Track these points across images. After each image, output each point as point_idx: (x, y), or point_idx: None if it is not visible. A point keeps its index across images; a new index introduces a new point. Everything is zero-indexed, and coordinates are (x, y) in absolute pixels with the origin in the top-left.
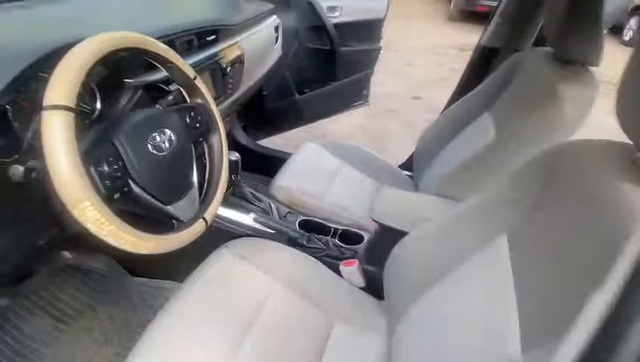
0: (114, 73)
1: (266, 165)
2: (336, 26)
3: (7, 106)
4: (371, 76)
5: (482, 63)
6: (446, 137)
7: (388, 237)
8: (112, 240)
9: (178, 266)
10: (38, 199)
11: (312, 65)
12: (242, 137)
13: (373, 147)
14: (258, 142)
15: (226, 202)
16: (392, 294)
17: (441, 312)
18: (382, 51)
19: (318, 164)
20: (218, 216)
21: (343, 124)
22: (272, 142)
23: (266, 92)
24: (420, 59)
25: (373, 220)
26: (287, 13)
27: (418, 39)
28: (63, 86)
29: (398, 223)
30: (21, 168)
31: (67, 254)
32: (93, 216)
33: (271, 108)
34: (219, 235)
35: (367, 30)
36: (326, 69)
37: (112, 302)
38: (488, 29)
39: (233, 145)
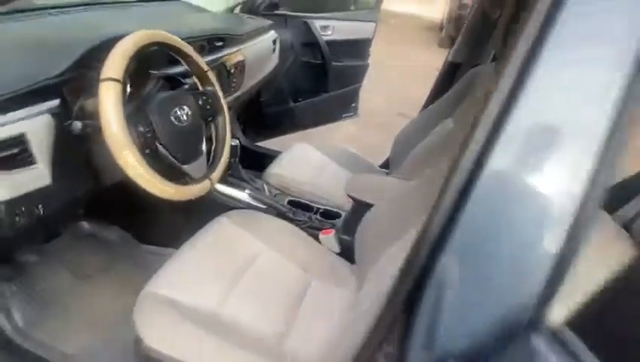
0: (143, 65)
1: (262, 162)
2: (328, 43)
3: (65, 82)
4: (359, 90)
5: (448, 76)
6: (415, 139)
7: (360, 211)
8: (142, 183)
9: (181, 235)
10: (89, 149)
11: (306, 77)
12: (241, 138)
13: (362, 153)
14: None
15: (225, 181)
16: (360, 257)
17: (394, 267)
18: (371, 70)
19: (307, 159)
20: (218, 192)
21: (335, 136)
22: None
23: (264, 98)
24: (408, 79)
25: (348, 195)
26: (285, 30)
27: (407, 61)
28: (115, 65)
29: (368, 198)
30: (80, 123)
31: (86, 224)
32: (131, 161)
33: (268, 113)
34: (219, 208)
35: (356, 48)
36: (318, 81)
37: (123, 264)
38: (454, 47)
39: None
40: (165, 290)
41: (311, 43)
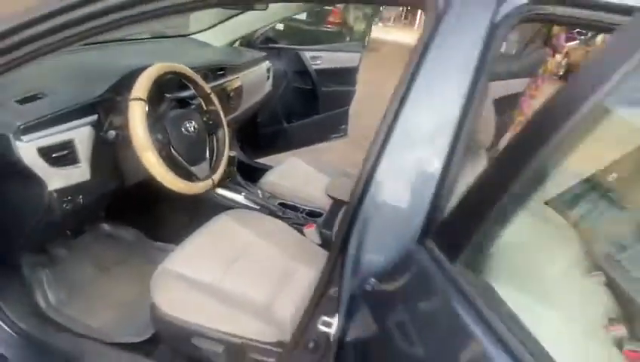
0: (159, 90)
1: (258, 175)
2: (317, 71)
3: (101, 102)
4: (348, 113)
5: None
6: None
7: (338, 208)
8: (160, 178)
9: (187, 232)
10: (118, 154)
11: (298, 101)
12: (239, 154)
13: (350, 168)
14: None
15: (225, 186)
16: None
17: None
18: (362, 95)
19: (297, 170)
20: (219, 194)
21: (327, 155)
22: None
23: (260, 120)
24: None
25: (328, 195)
26: (278, 60)
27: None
28: (141, 88)
29: (344, 196)
30: (113, 132)
31: (106, 226)
32: (152, 161)
33: (264, 133)
34: (219, 208)
35: (344, 75)
36: (310, 104)
37: (137, 258)
38: None
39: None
40: (176, 267)
41: (302, 71)
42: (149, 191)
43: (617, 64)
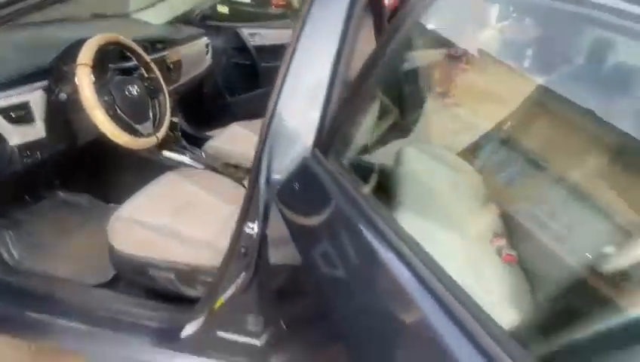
0: (103, 61)
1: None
2: (256, 47)
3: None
4: None
5: None
6: None
7: None
8: (108, 133)
9: None
10: (70, 114)
11: (240, 77)
12: (187, 127)
13: None
14: None
15: (171, 149)
16: None
17: None
18: None
19: (239, 134)
20: (165, 157)
21: None
22: None
23: (204, 93)
24: None
25: None
26: (217, 37)
27: None
28: (86, 54)
29: None
30: (64, 95)
31: (61, 193)
32: (101, 118)
33: (208, 107)
34: (166, 169)
35: (282, 51)
36: (251, 79)
37: (93, 221)
38: None
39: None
40: (129, 214)
41: (241, 48)
42: (100, 156)
43: None
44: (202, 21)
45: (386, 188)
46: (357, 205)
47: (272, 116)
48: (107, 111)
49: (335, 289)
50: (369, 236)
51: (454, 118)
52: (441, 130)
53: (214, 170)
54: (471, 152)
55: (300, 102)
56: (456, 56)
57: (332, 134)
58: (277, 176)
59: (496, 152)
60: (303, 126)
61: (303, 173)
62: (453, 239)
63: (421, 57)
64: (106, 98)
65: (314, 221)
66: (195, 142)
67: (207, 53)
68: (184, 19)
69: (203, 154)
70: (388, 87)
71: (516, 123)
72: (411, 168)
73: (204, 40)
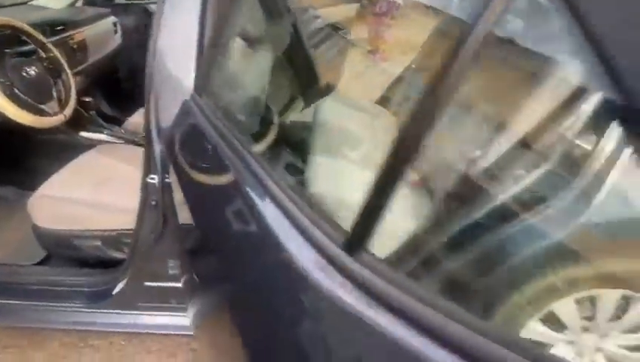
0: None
1: None
2: None
3: None
4: None
5: None
6: None
7: None
8: (9, 114)
9: None
10: None
11: None
12: (107, 109)
13: None
14: None
15: (87, 129)
16: None
17: None
18: None
19: None
20: (82, 137)
21: None
22: None
23: (120, 75)
24: None
25: None
26: (127, 16)
27: None
28: None
29: None
30: None
31: None
32: (3, 102)
33: (126, 87)
34: (85, 149)
35: None
36: None
37: (19, 210)
38: None
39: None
40: (49, 191)
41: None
42: (15, 145)
43: None
44: (109, 0)
45: (307, 141)
46: (231, 145)
47: (150, 77)
48: (4, 92)
49: (222, 237)
50: (242, 177)
51: (382, 72)
52: (370, 86)
53: (134, 143)
54: (387, 99)
55: (177, 49)
56: (380, 13)
57: (207, 78)
58: (165, 125)
59: (406, 94)
60: (182, 72)
61: (184, 116)
62: (368, 174)
63: (334, 14)
64: (2, 79)
65: (197, 166)
66: (117, 122)
67: (115, 33)
68: (88, 1)
69: (122, 131)
70: (295, 45)
71: (423, 60)
72: (325, 117)
73: (111, 19)
